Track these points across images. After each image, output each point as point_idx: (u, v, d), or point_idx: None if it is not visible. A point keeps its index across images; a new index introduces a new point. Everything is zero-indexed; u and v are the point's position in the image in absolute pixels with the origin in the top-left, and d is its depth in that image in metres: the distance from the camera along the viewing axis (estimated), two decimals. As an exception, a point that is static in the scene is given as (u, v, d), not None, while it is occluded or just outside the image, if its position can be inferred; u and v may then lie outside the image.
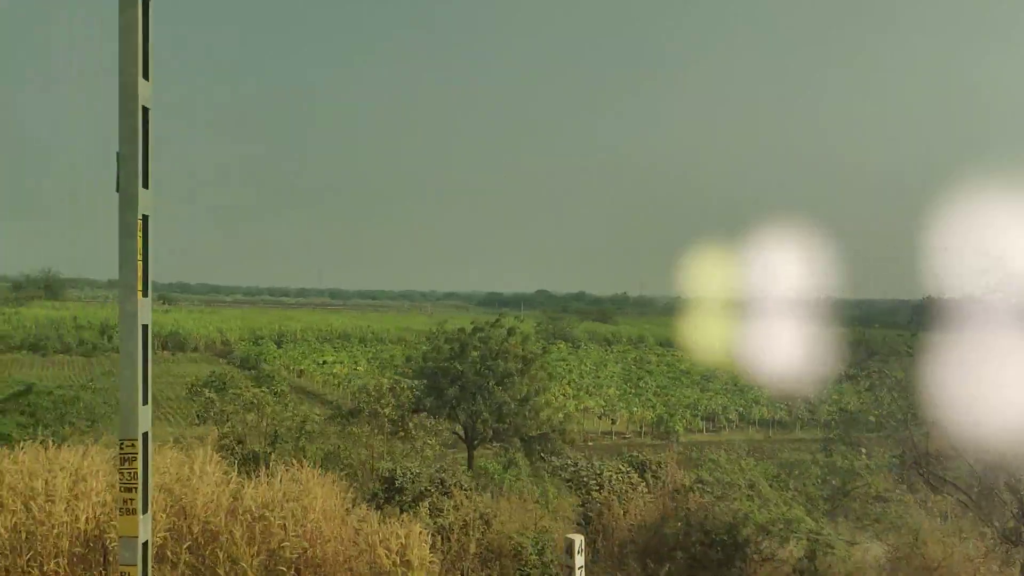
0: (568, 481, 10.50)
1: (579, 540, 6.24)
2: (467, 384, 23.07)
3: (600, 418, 41.83)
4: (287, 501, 7.70)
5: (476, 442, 23.70)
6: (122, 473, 6.16)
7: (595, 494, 9.96)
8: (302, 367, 57.17)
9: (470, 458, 23.08)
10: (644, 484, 10.50)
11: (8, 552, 6.93)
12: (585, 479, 10.32)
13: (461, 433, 23.66)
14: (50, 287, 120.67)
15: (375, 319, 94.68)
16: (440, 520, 9.21)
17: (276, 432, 11.43)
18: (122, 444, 6.15)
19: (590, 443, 39.39)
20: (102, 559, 7.11)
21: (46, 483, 7.25)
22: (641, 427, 41.00)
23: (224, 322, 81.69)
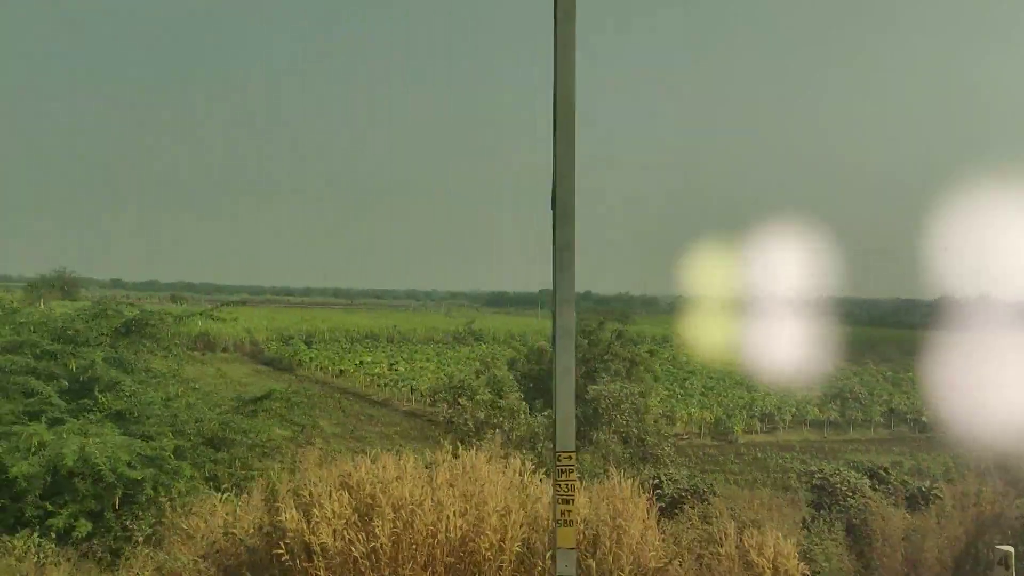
0: (818, 488, 10.59)
1: (1011, 552, 6.32)
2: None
3: (655, 420, 41.98)
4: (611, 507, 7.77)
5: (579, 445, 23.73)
6: (559, 485, 6.25)
7: (850, 500, 10.05)
8: (342, 367, 57.16)
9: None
10: (882, 490, 10.59)
11: (389, 561, 6.98)
12: (835, 485, 10.41)
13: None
14: (64, 287, 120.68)
15: (397, 319, 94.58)
16: (711, 528, 9.30)
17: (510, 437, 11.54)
18: (559, 456, 6.23)
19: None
20: (472, 570, 7.16)
21: (409, 491, 7.29)
22: (701, 428, 41.15)
23: (248, 322, 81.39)
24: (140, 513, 9.19)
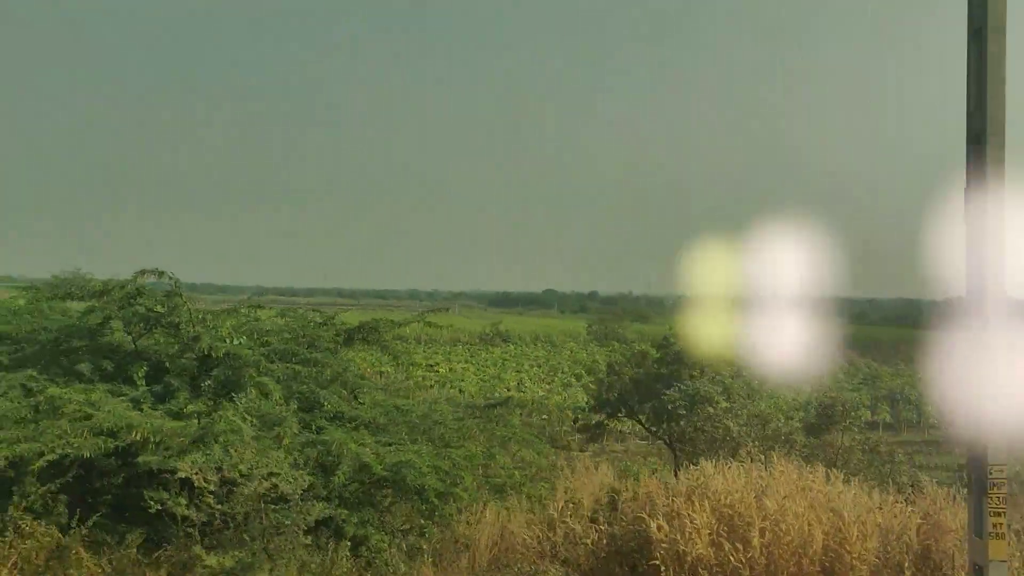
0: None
1: None
2: (684, 393, 23.18)
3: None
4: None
5: (681, 452, 23.74)
6: (991, 498, 6.33)
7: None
8: (382, 369, 56.90)
9: (676, 467, 23.10)
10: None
11: (761, 573, 7.03)
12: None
13: (666, 440, 23.82)
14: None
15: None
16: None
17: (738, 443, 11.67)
18: (990, 469, 6.33)
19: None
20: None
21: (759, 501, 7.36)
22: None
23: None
24: (422, 521, 9.20)
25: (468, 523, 9.45)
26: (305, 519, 7.45)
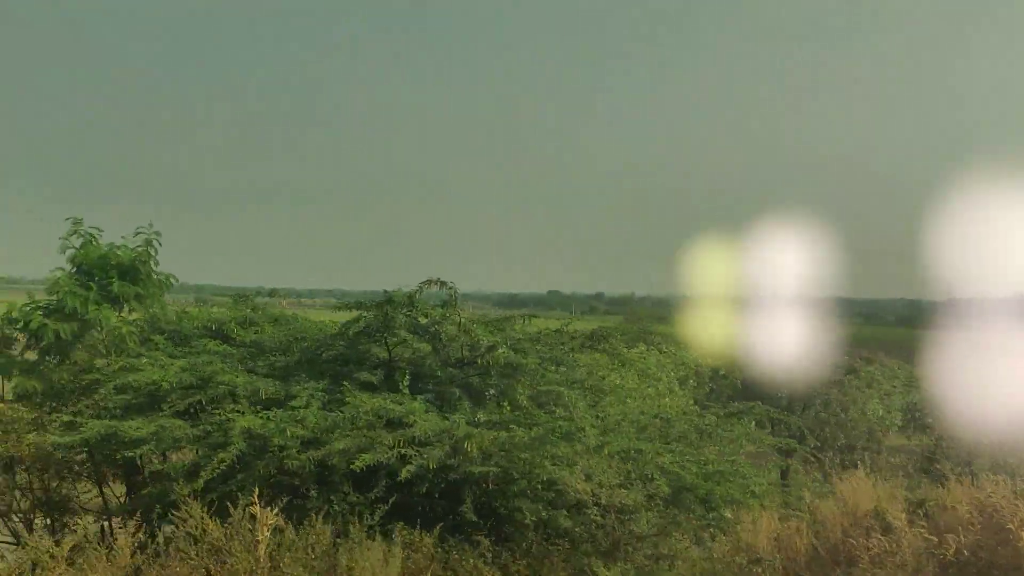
0: None
1: None
2: (793, 394, 23.26)
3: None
4: None
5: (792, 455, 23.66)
6: None
7: None
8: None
9: (784, 471, 23.02)
10: None
11: None
12: None
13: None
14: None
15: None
16: None
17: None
18: None
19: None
20: None
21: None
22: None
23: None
24: (711, 530, 9.13)
25: (748, 530, 9.38)
26: (653, 529, 7.38)
